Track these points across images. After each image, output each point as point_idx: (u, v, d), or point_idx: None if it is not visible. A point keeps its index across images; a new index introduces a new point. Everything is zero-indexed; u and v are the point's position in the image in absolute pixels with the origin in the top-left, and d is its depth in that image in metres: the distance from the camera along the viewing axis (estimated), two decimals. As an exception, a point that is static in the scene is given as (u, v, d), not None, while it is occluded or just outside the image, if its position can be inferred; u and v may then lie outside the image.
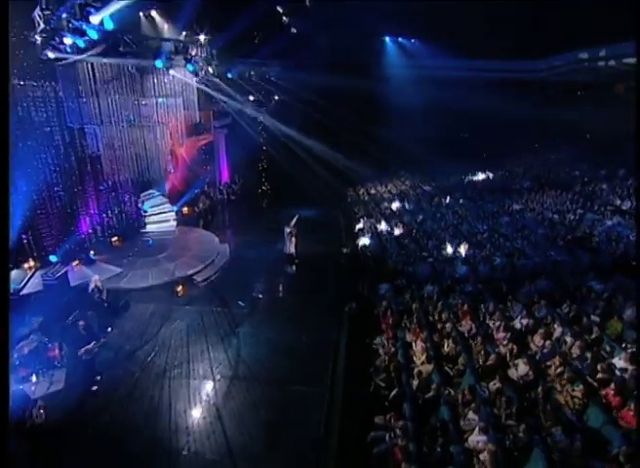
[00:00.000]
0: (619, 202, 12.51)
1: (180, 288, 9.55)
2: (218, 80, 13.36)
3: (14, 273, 9.00)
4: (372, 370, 6.31)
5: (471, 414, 5.05)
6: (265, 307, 9.09)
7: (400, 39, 22.56)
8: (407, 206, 16.08)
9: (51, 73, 9.67)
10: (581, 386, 5.04)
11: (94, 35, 8.25)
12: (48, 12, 7.86)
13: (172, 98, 11.91)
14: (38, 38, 8.39)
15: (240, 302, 9.13)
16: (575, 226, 11.28)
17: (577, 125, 18.30)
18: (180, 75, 11.59)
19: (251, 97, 17.20)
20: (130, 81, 10.82)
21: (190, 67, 10.95)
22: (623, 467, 3.97)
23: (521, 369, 5.70)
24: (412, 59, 21.81)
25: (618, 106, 16.15)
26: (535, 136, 21.45)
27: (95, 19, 8.19)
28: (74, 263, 10.27)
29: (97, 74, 10.06)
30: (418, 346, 6.60)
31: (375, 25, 19.23)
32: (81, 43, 8.31)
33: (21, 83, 9.26)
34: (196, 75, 11.79)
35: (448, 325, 7.01)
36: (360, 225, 13.98)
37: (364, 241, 12.16)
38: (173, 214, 14.25)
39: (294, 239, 10.71)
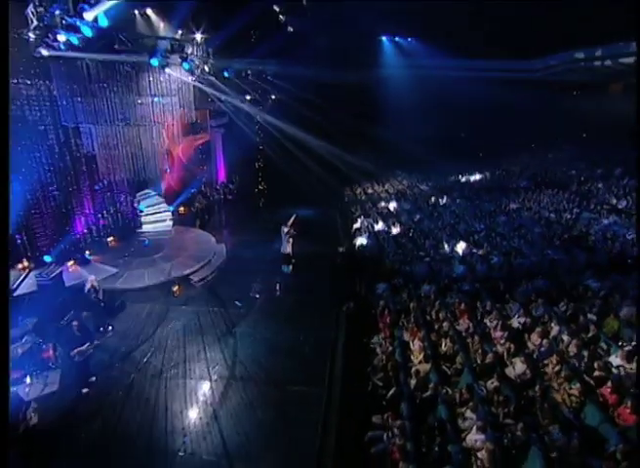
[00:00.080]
0: (615, 201, 12.60)
1: (176, 288, 9.50)
2: (214, 79, 13.27)
3: (8, 273, 8.92)
4: (369, 370, 6.29)
5: (469, 413, 5.04)
6: (262, 307, 9.03)
7: (397, 38, 22.58)
8: (404, 205, 16.09)
9: (45, 71, 9.55)
10: (579, 384, 5.05)
11: (88, 32, 8.09)
12: (41, 9, 7.74)
13: (168, 97, 11.77)
14: (31, 35, 8.29)
15: (237, 302, 9.09)
16: (571, 225, 11.36)
17: (574, 124, 18.39)
18: (177, 74, 11.48)
19: (247, 97, 17.14)
20: (125, 79, 10.68)
21: (186, 66, 10.85)
22: (620, 465, 3.97)
23: (518, 367, 5.71)
24: (409, 59, 21.82)
25: (614, 105, 16.25)
26: (532, 134, 21.54)
27: (89, 16, 8.05)
28: (69, 264, 10.20)
29: (91, 72, 9.94)
30: (415, 345, 6.59)
31: (372, 24, 19.22)
32: (75, 40, 8.19)
33: (15, 81, 9.13)
34: (192, 74, 11.71)
35: (445, 324, 7.00)
36: (357, 225, 13.94)
37: (361, 240, 12.13)
38: (169, 213, 14.16)
39: (291, 239, 10.66)
